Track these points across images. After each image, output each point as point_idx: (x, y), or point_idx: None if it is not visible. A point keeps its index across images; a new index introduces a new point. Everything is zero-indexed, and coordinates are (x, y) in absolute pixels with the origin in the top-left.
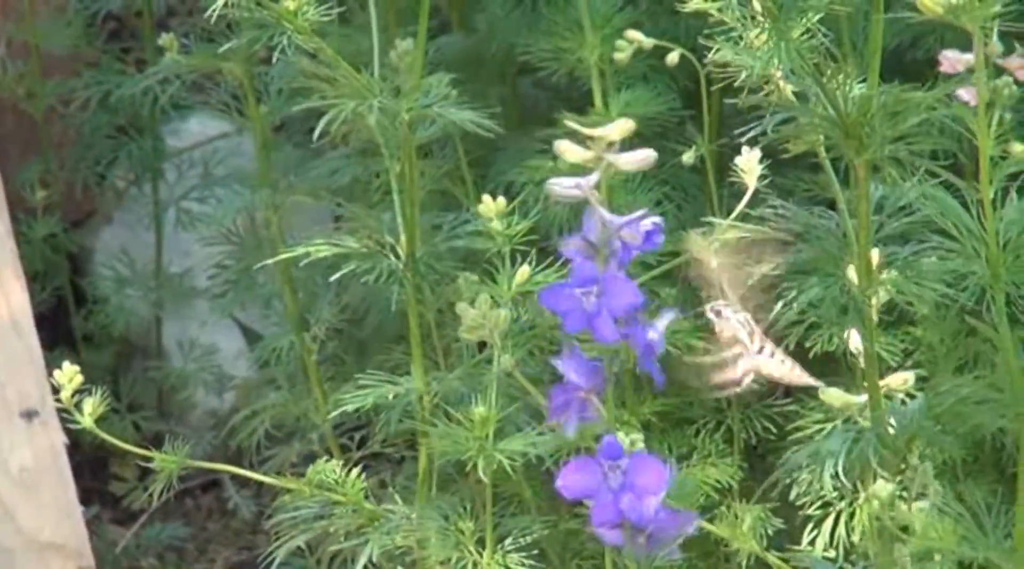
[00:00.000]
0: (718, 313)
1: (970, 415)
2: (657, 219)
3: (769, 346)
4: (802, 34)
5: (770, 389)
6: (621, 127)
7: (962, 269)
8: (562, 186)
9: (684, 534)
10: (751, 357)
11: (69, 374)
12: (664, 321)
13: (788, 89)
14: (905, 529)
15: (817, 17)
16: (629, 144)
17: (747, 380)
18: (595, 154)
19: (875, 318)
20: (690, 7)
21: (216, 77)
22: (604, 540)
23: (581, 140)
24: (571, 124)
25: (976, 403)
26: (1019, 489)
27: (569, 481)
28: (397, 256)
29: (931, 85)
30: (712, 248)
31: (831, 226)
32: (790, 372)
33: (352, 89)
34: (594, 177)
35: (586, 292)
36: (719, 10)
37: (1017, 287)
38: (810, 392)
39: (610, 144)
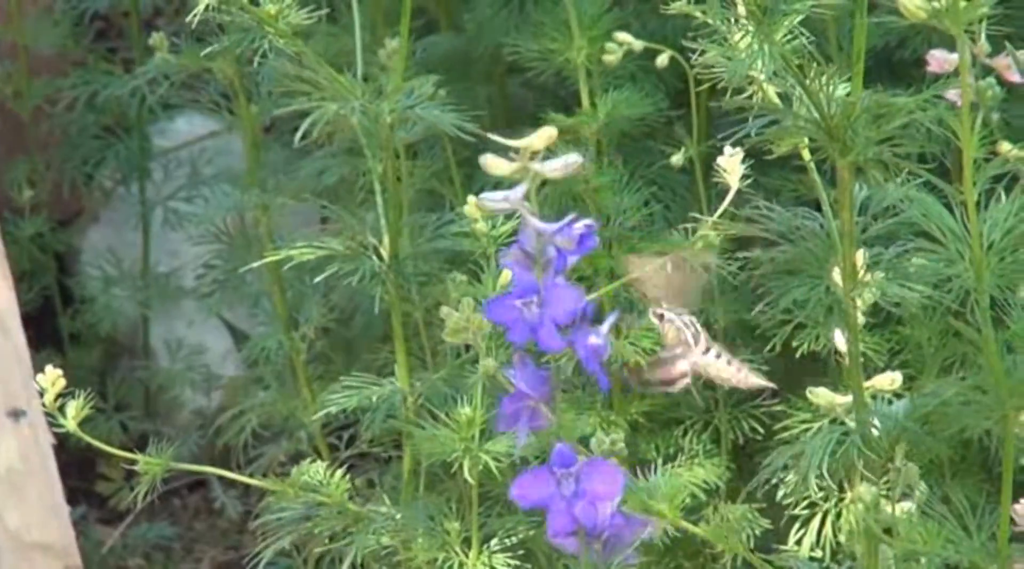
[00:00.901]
0: (660, 316)
1: (955, 417)
2: (589, 221)
3: (715, 348)
4: (785, 36)
5: (757, 390)
6: (544, 136)
7: (946, 272)
8: (492, 200)
9: (640, 538)
10: (694, 358)
11: (52, 377)
12: (607, 325)
13: (772, 91)
14: (890, 531)
15: (800, 19)
16: (617, 145)
17: (684, 380)
18: (520, 165)
19: (861, 319)
20: (674, 8)
21: (204, 76)
22: (563, 549)
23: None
24: (494, 137)
25: (961, 404)
26: (1003, 491)
27: (524, 490)
28: (380, 257)
29: (919, 85)
30: (647, 264)
31: (815, 227)
32: (736, 374)
33: (334, 91)
34: (522, 188)
35: (527, 302)
36: (703, 12)
37: (1001, 289)
38: (797, 392)
39: (534, 154)
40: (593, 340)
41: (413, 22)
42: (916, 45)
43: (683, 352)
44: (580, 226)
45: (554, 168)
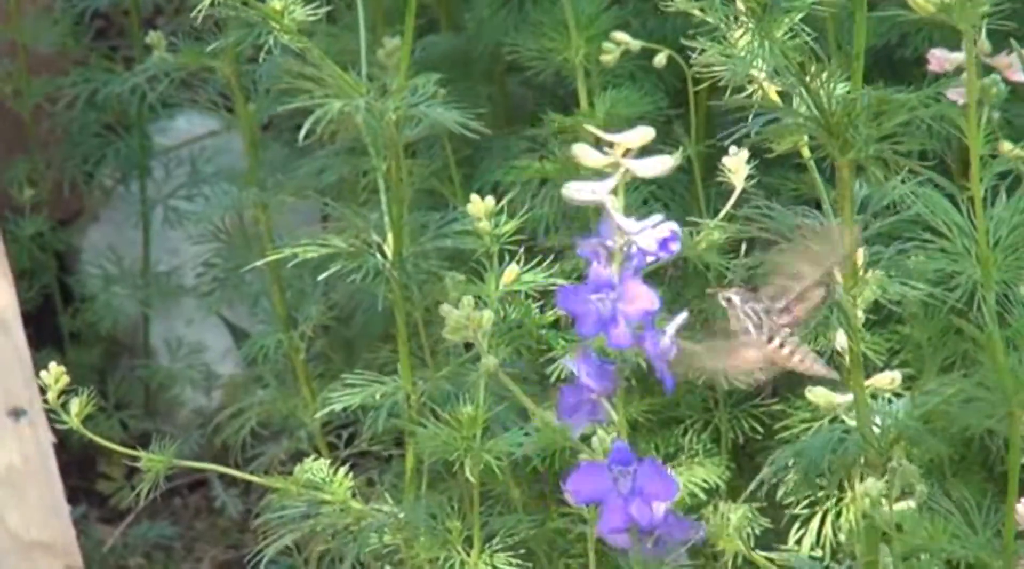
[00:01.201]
0: (728, 300)
1: (957, 415)
2: (674, 225)
3: (779, 338)
4: (785, 34)
5: (756, 388)
6: (640, 134)
7: (951, 268)
8: (578, 191)
9: (692, 539)
10: (759, 348)
11: (56, 374)
12: (675, 325)
13: (772, 89)
14: (894, 527)
15: (800, 16)
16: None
17: (756, 367)
18: (613, 159)
19: (861, 317)
20: (675, 7)
21: (204, 75)
22: (613, 543)
23: (598, 144)
24: (592, 130)
25: (963, 403)
26: (1009, 488)
27: (579, 486)
28: (383, 255)
29: (919, 84)
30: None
31: (816, 226)
32: (800, 363)
33: (339, 89)
34: (610, 182)
35: (601, 297)
36: (703, 10)
37: (1007, 286)
38: (796, 392)
39: (627, 150)
40: (664, 340)
41: (414, 21)
42: (917, 43)
43: (752, 340)
44: (664, 229)
45: (647, 167)
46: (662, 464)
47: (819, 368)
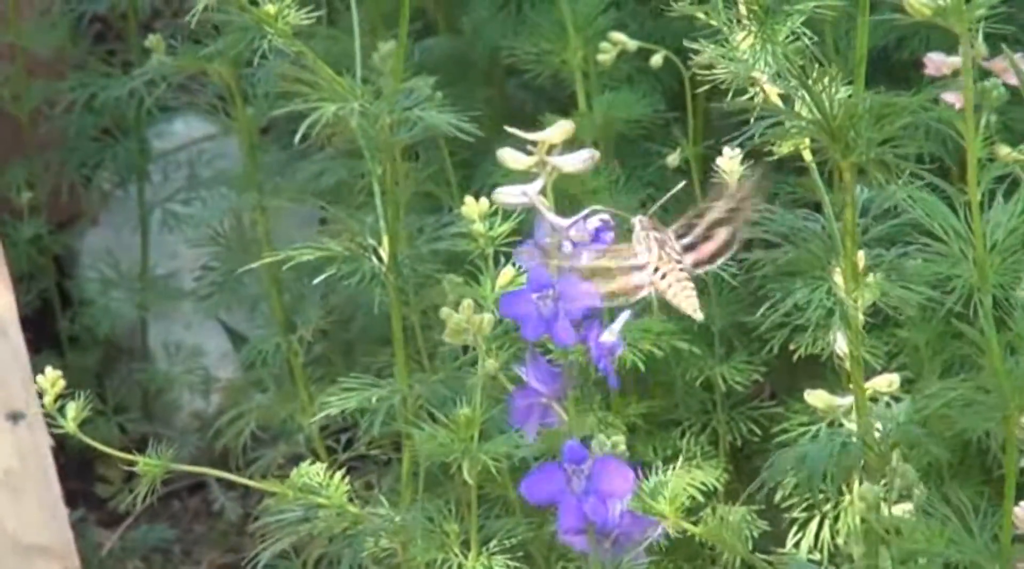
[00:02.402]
0: (633, 226)
1: (957, 418)
2: (604, 216)
3: (665, 268)
4: (787, 37)
5: (755, 391)
6: (561, 130)
7: (949, 272)
8: (509, 194)
9: (650, 538)
10: (643, 273)
11: (52, 379)
12: (620, 322)
13: (774, 92)
14: (891, 531)
15: (801, 20)
16: (614, 146)
17: (640, 293)
18: (537, 159)
19: (861, 321)
20: (678, 10)
21: (202, 79)
22: (573, 546)
23: (524, 146)
24: (513, 131)
25: (963, 406)
26: (1006, 492)
27: (533, 486)
28: (379, 259)
29: (917, 87)
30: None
31: (817, 229)
32: (673, 296)
33: (333, 92)
34: (538, 182)
35: (542, 296)
36: (705, 13)
37: (1004, 289)
38: (794, 395)
39: (552, 147)
40: (607, 337)
41: (411, 24)
42: (914, 47)
43: (639, 264)
44: (595, 221)
45: (570, 163)
46: (619, 461)
47: (687, 305)
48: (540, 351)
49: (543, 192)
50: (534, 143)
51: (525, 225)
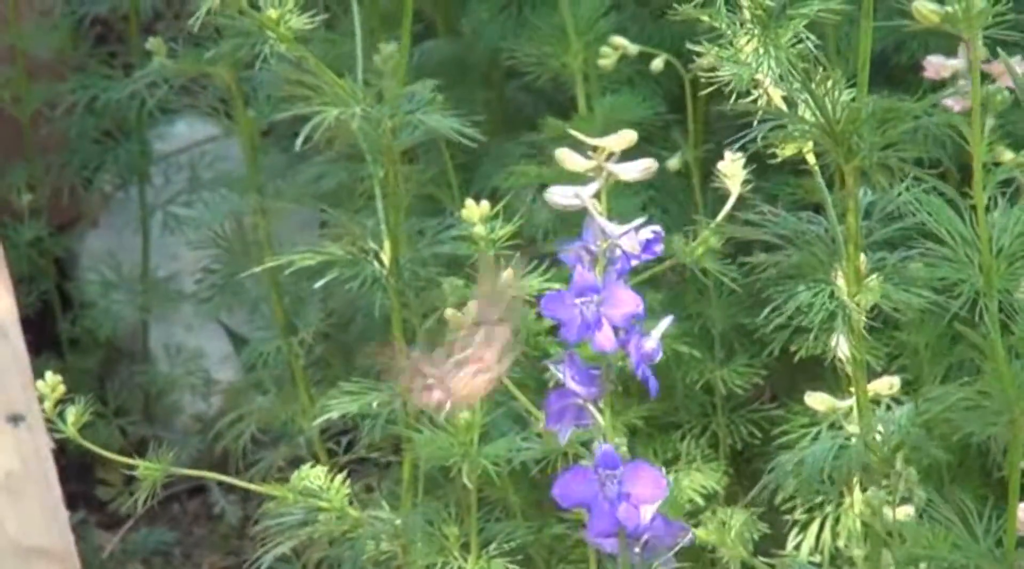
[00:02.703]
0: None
1: (959, 422)
2: (656, 228)
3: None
4: (790, 40)
5: (755, 393)
6: (623, 138)
7: (954, 276)
8: (561, 195)
9: (680, 543)
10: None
11: (52, 383)
12: (661, 328)
13: (777, 95)
14: (893, 535)
15: (804, 23)
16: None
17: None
18: (596, 163)
19: (863, 324)
20: (680, 15)
21: (203, 81)
22: (601, 548)
23: (581, 149)
24: (575, 134)
25: (965, 410)
26: (1010, 495)
27: (566, 489)
28: (380, 262)
29: (915, 90)
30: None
31: (820, 231)
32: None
33: (335, 96)
34: (593, 186)
35: (586, 301)
36: (709, 16)
37: (1009, 294)
38: (794, 397)
39: (610, 154)
40: (648, 344)
41: (411, 27)
42: (913, 50)
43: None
44: (647, 231)
45: (629, 170)
46: (651, 466)
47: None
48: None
49: (597, 197)
50: (592, 148)
51: (525, 228)
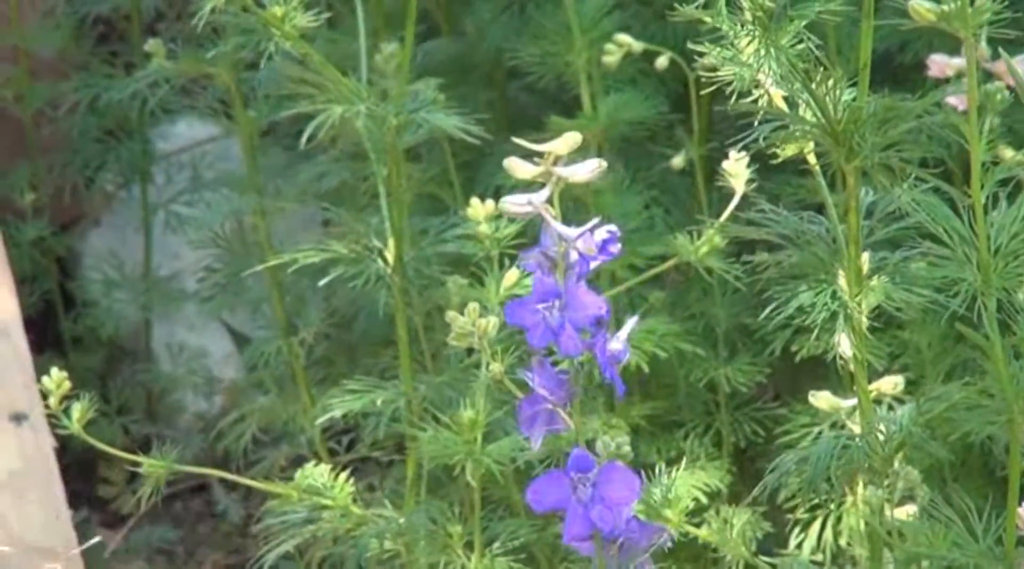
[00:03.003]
0: None
1: (960, 421)
2: (612, 227)
3: None
4: (791, 40)
5: (758, 392)
6: (568, 141)
7: (953, 275)
8: (515, 203)
9: (656, 544)
10: None
11: (57, 380)
12: (627, 329)
13: (778, 95)
14: (893, 534)
15: (805, 23)
16: (618, 148)
17: None
18: (544, 169)
19: (865, 323)
20: (682, 16)
21: (204, 81)
22: (579, 551)
23: (530, 156)
24: (519, 142)
25: (967, 409)
26: (1010, 495)
27: (539, 494)
28: (384, 261)
29: (920, 90)
30: None
31: (821, 231)
32: None
33: (339, 94)
34: (545, 192)
35: (548, 306)
36: (711, 17)
37: (1008, 293)
38: (797, 396)
39: (558, 158)
40: (614, 345)
41: (414, 27)
42: (917, 49)
43: None
44: (603, 232)
45: (578, 173)
46: (625, 468)
47: None
48: (545, 354)
49: (550, 201)
50: (541, 154)
51: (530, 228)
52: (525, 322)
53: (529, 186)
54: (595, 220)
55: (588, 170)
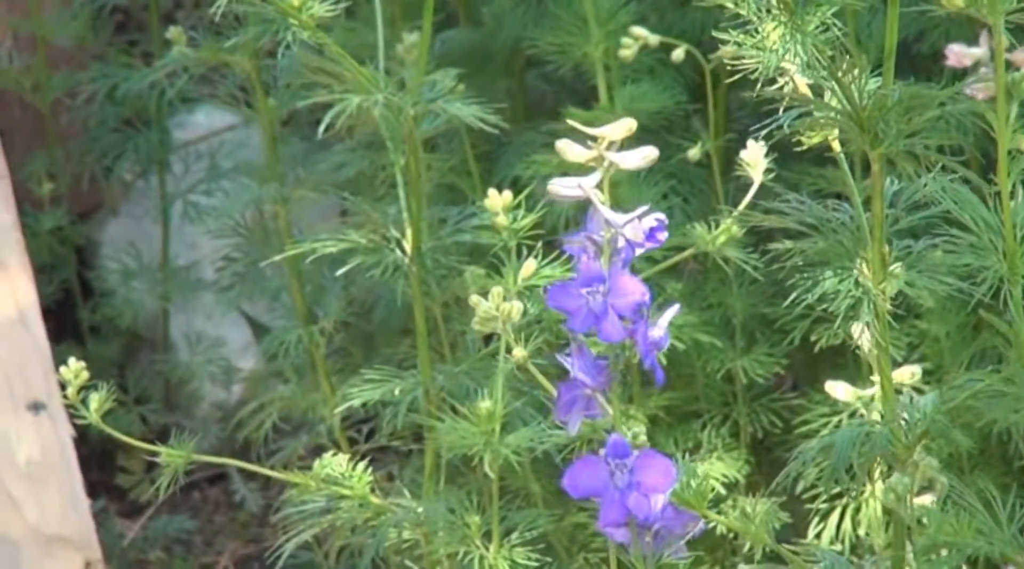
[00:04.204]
0: None
1: (983, 410)
2: (660, 215)
3: None
4: (816, 27)
5: (776, 383)
6: (622, 126)
7: (978, 263)
8: (564, 186)
9: (691, 532)
10: None
11: (75, 370)
12: (668, 316)
13: (803, 83)
14: (918, 522)
15: (832, 11)
16: (635, 138)
17: None
18: (596, 153)
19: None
20: (707, 2)
21: (223, 70)
22: (612, 538)
23: (583, 139)
24: (573, 123)
25: (990, 398)
26: None
27: (575, 480)
28: (403, 250)
29: (937, 79)
30: None
31: (845, 219)
32: None
33: (357, 84)
34: (595, 176)
35: (592, 291)
36: (735, 4)
37: None
38: (815, 386)
39: (611, 143)
40: (655, 332)
41: (432, 16)
42: (934, 39)
43: None
44: (651, 219)
45: (630, 159)
46: (661, 455)
47: None
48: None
49: (599, 187)
50: (592, 138)
51: (547, 218)
52: (568, 306)
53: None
54: (643, 207)
55: (640, 157)
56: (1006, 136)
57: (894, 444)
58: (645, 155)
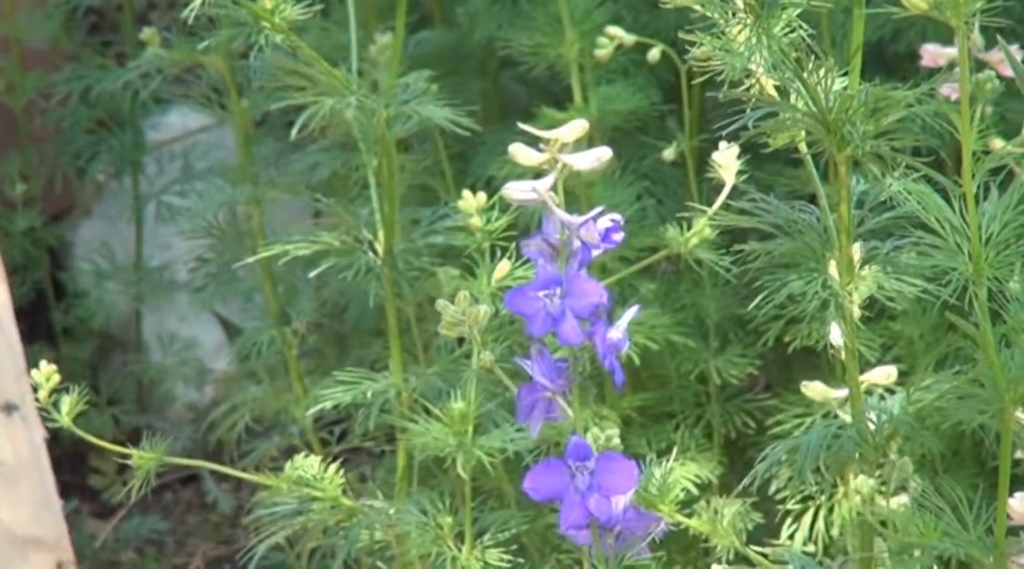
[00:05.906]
0: None
1: (951, 411)
2: (616, 216)
3: None
4: (783, 29)
5: (749, 384)
6: (575, 128)
7: (944, 264)
8: (519, 190)
9: (653, 533)
10: None
11: (47, 373)
12: (626, 319)
13: (770, 84)
14: (885, 524)
15: (797, 12)
16: (609, 139)
17: None
18: (549, 156)
19: (856, 313)
20: (673, 3)
21: (196, 71)
22: (575, 540)
23: (535, 142)
24: (525, 127)
25: (958, 399)
26: (1000, 484)
27: (537, 483)
28: (375, 252)
29: (913, 79)
30: None
31: (812, 221)
32: None
33: (330, 86)
34: (549, 179)
35: (549, 294)
36: (702, 6)
37: (999, 282)
38: (789, 387)
39: (564, 145)
40: (613, 334)
41: (406, 17)
42: (910, 39)
43: None
44: (605, 220)
45: (582, 161)
46: (622, 457)
47: None
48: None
49: (553, 189)
50: (545, 140)
51: (521, 219)
52: (525, 310)
53: (521, 176)
54: (598, 209)
55: (593, 158)
56: (970, 137)
57: (861, 445)
58: (598, 156)
